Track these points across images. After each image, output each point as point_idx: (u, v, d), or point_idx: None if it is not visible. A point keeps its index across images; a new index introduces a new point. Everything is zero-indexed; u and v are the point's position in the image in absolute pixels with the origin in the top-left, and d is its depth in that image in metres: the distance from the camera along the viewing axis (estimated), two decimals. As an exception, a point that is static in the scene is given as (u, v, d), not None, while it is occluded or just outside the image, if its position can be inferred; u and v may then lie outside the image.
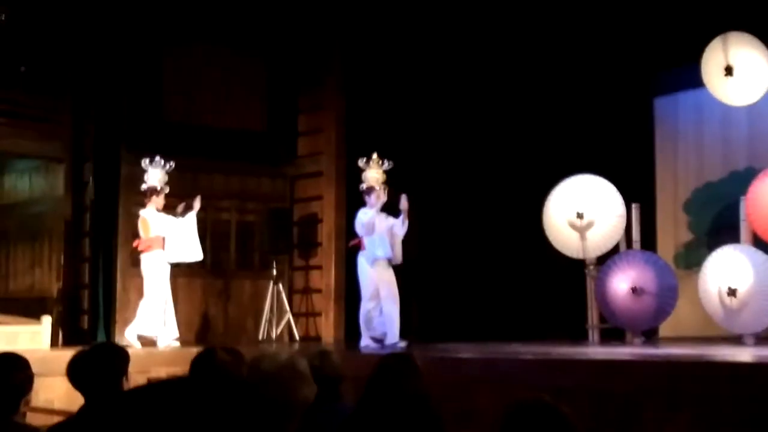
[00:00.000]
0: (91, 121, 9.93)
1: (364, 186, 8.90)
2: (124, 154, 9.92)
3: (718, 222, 9.79)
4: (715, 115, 10.07)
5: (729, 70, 8.64)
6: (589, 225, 9.16)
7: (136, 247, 9.28)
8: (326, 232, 10.71)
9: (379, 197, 8.78)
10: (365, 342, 8.79)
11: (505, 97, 10.55)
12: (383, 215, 8.82)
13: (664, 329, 9.85)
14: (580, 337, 9.41)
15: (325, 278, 10.63)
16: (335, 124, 10.72)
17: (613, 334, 9.34)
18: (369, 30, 10.52)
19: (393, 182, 10.29)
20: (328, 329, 10.51)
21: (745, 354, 7.20)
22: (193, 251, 9.39)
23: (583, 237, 9.20)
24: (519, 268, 10.52)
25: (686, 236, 10.46)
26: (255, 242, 10.76)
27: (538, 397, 2.27)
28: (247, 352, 3.33)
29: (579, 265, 9.46)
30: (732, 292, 8.30)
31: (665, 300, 8.86)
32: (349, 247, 9.18)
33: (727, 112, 9.67)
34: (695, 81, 9.09)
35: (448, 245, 10.73)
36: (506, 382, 6.01)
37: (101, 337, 9.42)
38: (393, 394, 3.32)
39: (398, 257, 8.81)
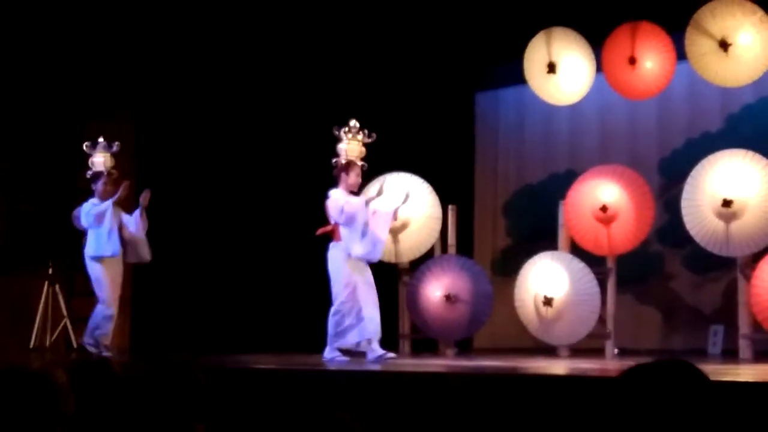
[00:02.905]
0: None
1: (341, 160, 8.11)
2: None
3: (536, 227, 10.12)
4: (536, 114, 10.44)
5: (552, 67, 8.94)
6: (403, 226, 9.24)
7: None
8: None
9: (358, 175, 8.13)
10: (332, 354, 8.05)
11: (316, 90, 10.53)
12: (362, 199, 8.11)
13: (479, 339, 10.14)
14: (391, 348, 9.49)
15: (110, 280, 10.31)
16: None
17: (425, 344, 9.51)
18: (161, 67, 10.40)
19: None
20: (111, 336, 10.18)
21: (558, 366, 7.48)
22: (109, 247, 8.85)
23: (395, 239, 9.29)
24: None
25: (504, 241, 10.80)
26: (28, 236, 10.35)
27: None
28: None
29: (391, 270, 9.58)
30: (548, 302, 8.59)
31: (480, 308, 9.09)
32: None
33: (549, 111, 10.04)
34: (518, 77, 9.38)
35: (243, 245, 10.63)
36: (306, 395, 6.01)
37: None
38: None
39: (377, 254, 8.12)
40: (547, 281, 8.67)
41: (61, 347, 10.03)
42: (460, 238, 9.57)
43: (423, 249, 9.38)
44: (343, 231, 8.06)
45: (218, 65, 10.51)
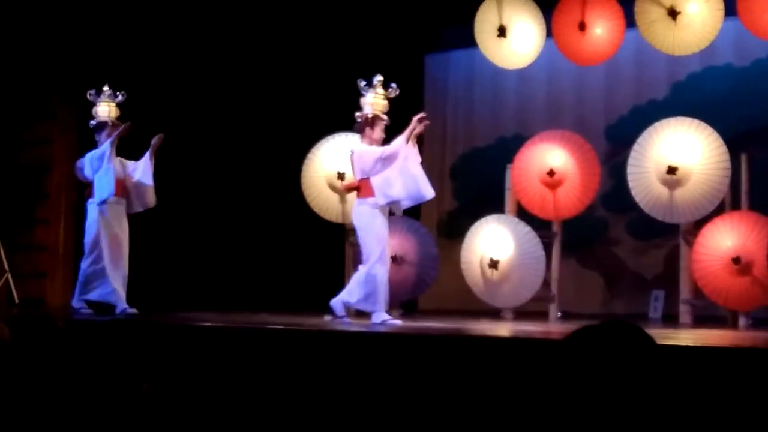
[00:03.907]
0: None
1: (368, 114, 7.72)
2: None
3: (483, 190, 10.15)
4: (485, 78, 10.45)
5: (502, 31, 8.94)
6: (350, 187, 9.16)
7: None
8: (56, 182, 10.26)
9: (383, 130, 7.72)
10: (385, 317, 7.56)
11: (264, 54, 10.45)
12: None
13: (425, 301, 10.16)
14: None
15: (53, 234, 10.19)
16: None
17: (370, 305, 9.49)
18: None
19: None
20: (54, 292, 10.11)
21: (502, 328, 7.53)
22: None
23: (343, 200, 9.23)
24: (273, 231, 10.51)
25: (451, 204, 10.82)
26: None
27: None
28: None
29: (338, 230, 9.54)
30: (493, 264, 8.64)
31: (425, 270, 9.10)
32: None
33: (498, 74, 10.04)
34: (468, 40, 9.35)
35: (194, 205, 10.55)
36: (252, 353, 5.99)
37: None
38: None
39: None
40: (493, 244, 8.72)
41: (3, 302, 9.91)
42: (408, 200, 9.54)
43: (370, 210, 9.33)
44: (376, 180, 7.59)
45: (166, 49, 10.37)
